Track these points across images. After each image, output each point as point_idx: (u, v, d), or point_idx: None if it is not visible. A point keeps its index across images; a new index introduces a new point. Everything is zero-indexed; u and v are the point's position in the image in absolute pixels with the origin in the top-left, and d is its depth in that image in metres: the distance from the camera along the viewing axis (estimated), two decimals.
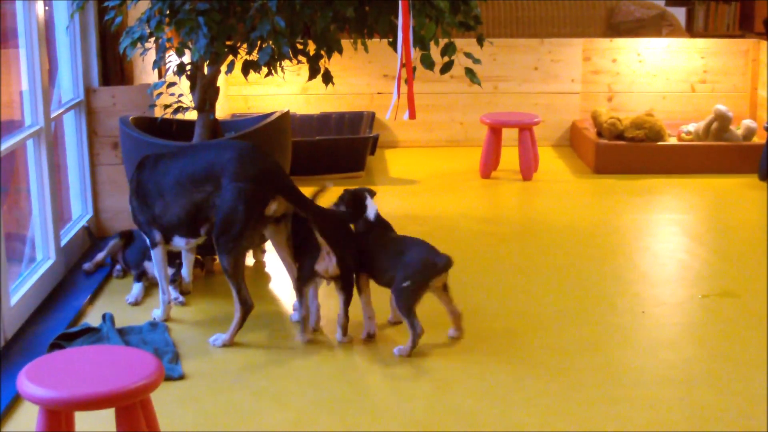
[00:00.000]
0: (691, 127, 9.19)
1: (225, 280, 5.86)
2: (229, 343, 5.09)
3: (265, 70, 5.74)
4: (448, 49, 5.66)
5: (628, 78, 10.19)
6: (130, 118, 6.15)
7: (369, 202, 5.25)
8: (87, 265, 6.10)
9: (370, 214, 5.22)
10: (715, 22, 11.33)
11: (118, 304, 5.66)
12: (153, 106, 6.15)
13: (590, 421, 4.27)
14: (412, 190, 8.41)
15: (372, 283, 5.19)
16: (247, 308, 5.10)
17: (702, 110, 9.92)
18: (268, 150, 5.72)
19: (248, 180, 4.98)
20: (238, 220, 4.97)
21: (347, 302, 5.09)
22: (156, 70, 6.93)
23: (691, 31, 11.22)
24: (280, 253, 5.33)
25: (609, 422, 4.26)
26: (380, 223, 5.27)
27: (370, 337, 5.16)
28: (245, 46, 5.70)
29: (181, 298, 5.69)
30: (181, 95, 5.98)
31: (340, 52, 5.82)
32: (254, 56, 5.66)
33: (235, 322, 5.11)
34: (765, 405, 4.41)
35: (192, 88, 5.98)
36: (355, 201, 5.23)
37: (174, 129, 6.22)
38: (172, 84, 5.89)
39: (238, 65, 5.73)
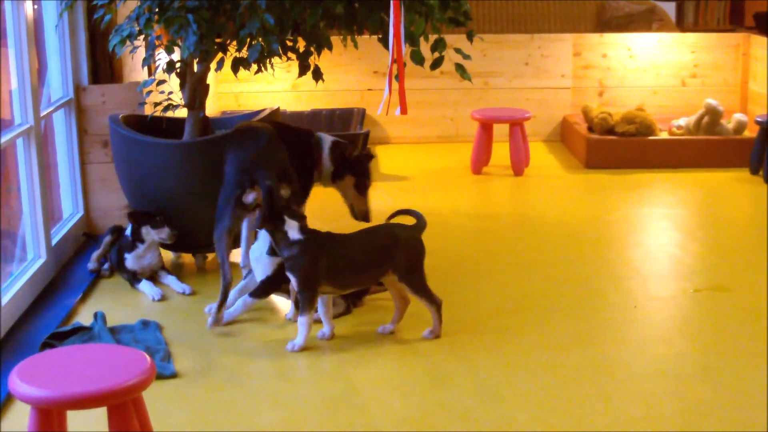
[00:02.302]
0: (682, 121, 9.20)
1: (218, 278, 5.88)
2: (217, 320, 5.27)
3: (254, 67, 5.74)
4: (438, 45, 5.65)
5: (618, 73, 10.19)
6: (120, 116, 6.14)
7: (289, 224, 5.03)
8: (90, 265, 6.10)
9: (293, 235, 4.98)
10: (706, 17, 11.32)
11: (110, 302, 5.65)
12: (143, 104, 6.14)
13: (583, 415, 4.27)
14: (403, 187, 8.41)
15: None
16: (225, 282, 5.24)
17: (693, 104, 9.93)
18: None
19: (234, 169, 5.26)
20: (221, 202, 5.27)
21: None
22: (146, 68, 6.91)
23: (681, 25, 11.20)
24: None
25: (602, 417, 4.26)
26: (315, 234, 5.06)
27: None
28: (235, 43, 5.69)
29: (188, 290, 5.78)
30: (170, 93, 5.97)
31: (330, 48, 5.81)
32: (244, 53, 5.65)
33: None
34: (758, 398, 4.41)
35: (182, 86, 5.97)
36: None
37: (164, 127, 6.21)
38: (161, 82, 5.88)
39: (228, 62, 5.73)
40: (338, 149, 5.78)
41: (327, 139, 5.82)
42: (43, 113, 6.00)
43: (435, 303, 5.10)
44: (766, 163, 8.33)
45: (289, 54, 5.86)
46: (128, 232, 5.93)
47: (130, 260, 5.87)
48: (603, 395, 4.47)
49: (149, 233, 5.85)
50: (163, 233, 5.85)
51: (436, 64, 5.69)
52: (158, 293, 5.72)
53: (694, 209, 7.79)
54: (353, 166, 5.76)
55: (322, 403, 4.43)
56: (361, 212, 5.81)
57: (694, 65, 10.20)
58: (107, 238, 6.13)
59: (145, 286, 5.79)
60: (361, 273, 5.05)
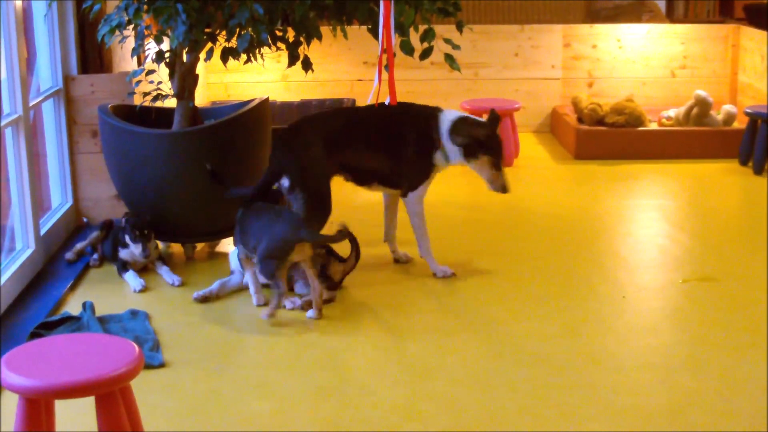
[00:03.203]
0: (672, 112, 9.21)
1: (207, 268, 5.90)
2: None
3: (244, 57, 5.73)
4: (428, 36, 5.66)
5: (608, 64, 10.20)
6: (109, 106, 6.13)
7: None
8: (68, 254, 6.09)
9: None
10: (696, 8, 11.33)
11: (99, 292, 5.65)
12: (132, 93, 6.14)
13: (571, 405, 4.29)
14: None
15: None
16: None
17: (682, 96, 9.94)
18: (248, 139, 5.74)
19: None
20: None
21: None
22: (135, 58, 6.90)
23: (671, 17, 11.22)
24: None
25: (589, 406, 4.27)
26: (246, 207, 5.46)
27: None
28: (224, 33, 5.68)
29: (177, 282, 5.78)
30: (160, 83, 5.96)
31: (320, 38, 5.80)
32: (233, 43, 5.65)
33: None
34: (744, 389, 4.43)
35: (171, 76, 5.96)
36: None
37: (153, 117, 6.20)
38: (151, 72, 5.88)
39: (217, 52, 5.72)
40: (463, 128, 5.83)
41: (447, 118, 5.86)
42: (32, 103, 5.98)
43: (278, 288, 5.17)
44: (755, 154, 8.34)
45: (279, 44, 5.86)
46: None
47: (125, 252, 5.85)
48: (590, 385, 4.48)
49: (128, 242, 5.85)
50: (137, 249, 5.83)
51: (426, 54, 5.69)
52: (140, 284, 5.70)
53: (683, 200, 7.81)
54: (486, 146, 5.82)
55: (310, 393, 4.44)
56: (500, 186, 5.87)
57: (684, 56, 10.21)
58: (95, 233, 6.12)
59: (129, 276, 5.78)
60: (249, 243, 5.30)
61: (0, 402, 4.29)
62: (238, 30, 5.55)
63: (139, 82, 5.93)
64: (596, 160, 8.85)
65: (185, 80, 5.95)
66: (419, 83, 9.99)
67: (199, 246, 6.33)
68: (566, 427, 4.13)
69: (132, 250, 5.84)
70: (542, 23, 10.59)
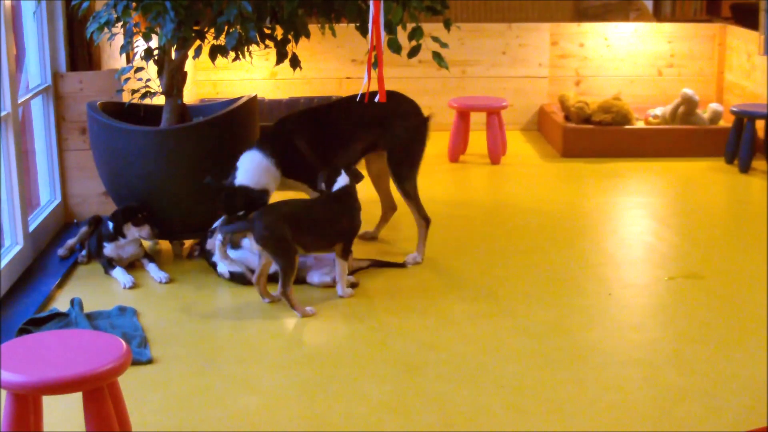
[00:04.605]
0: (658, 110, 9.24)
1: (194, 265, 5.90)
2: (421, 260, 6.06)
3: (232, 54, 5.75)
4: (416, 34, 5.67)
5: (595, 62, 10.23)
6: (98, 103, 6.14)
7: (339, 177, 5.57)
8: (61, 251, 6.10)
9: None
10: (683, 7, 11.35)
11: (87, 289, 5.66)
12: (121, 91, 6.15)
13: (557, 401, 4.31)
14: None
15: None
16: (427, 222, 6.17)
17: (669, 94, 9.98)
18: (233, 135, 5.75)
19: None
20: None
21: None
22: (123, 55, 6.91)
23: (658, 15, 11.24)
24: None
25: (576, 402, 4.30)
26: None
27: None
28: (212, 30, 5.70)
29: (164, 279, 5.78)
30: (148, 80, 5.97)
31: (308, 36, 5.82)
32: (222, 41, 5.66)
33: (421, 237, 6.14)
34: (729, 384, 4.46)
35: (159, 73, 5.98)
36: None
37: (142, 114, 6.21)
38: (139, 69, 5.89)
39: (206, 50, 5.74)
40: None
41: None
42: (20, 100, 5.99)
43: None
44: (740, 152, 8.38)
45: (267, 42, 5.87)
46: (110, 224, 5.91)
47: (109, 249, 5.87)
48: (577, 381, 4.51)
49: (131, 230, 5.86)
50: (144, 231, 5.85)
51: (414, 52, 5.70)
52: (130, 281, 5.72)
53: (669, 198, 7.84)
54: None
55: (298, 389, 4.46)
56: None
57: (671, 55, 10.25)
58: (83, 229, 6.14)
59: (118, 273, 5.79)
60: None
61: None
62: (226, 27, 5.56)
63: (127, 79, 5.93)
64: (583, 158, 8.87)
65: (174, 77, 5.96)
66: (407, 81, 10.00)
67: (187, 243, 6.34)
68: (553, 423, 4.15)
69: (137, 236, 5.87)
70: (530, 21, 10.61)
